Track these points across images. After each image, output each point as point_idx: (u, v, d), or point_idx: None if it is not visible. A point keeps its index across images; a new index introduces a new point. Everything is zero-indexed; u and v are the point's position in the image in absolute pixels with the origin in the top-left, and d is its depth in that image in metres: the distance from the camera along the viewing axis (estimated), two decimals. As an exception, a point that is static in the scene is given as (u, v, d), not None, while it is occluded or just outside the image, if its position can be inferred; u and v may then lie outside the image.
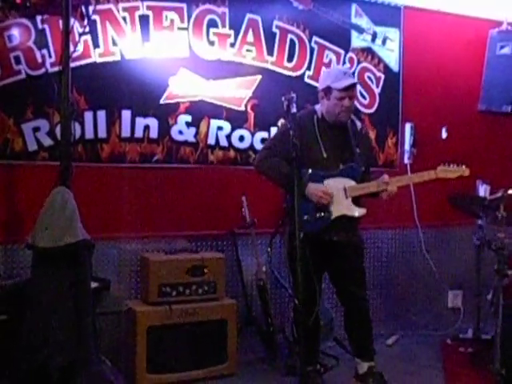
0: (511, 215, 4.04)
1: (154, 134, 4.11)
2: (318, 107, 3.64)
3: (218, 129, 4.28)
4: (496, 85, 5.28)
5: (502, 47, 5.27)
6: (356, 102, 4.67)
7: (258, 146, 4.30)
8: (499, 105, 5.31)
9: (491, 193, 4.64)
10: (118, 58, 3.97)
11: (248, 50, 4.34)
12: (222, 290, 3.98)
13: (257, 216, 4.18)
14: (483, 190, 4.84)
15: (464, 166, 3.71)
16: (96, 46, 3.91)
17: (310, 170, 3.45)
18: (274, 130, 4.31)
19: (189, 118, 4.20)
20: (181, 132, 4.19)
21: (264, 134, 4.38)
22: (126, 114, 4.03)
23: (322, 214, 3.48)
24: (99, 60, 3.93)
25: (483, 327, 4.60)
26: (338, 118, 3.55)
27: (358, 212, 3.57)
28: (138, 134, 4.07)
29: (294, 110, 2.97)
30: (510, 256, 4.15)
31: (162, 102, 4.11)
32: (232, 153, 4.35)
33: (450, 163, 3.68)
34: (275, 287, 4.38)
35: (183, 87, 4.16)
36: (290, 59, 4.49)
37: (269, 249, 4.08)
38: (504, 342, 3.82)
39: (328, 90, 3.53)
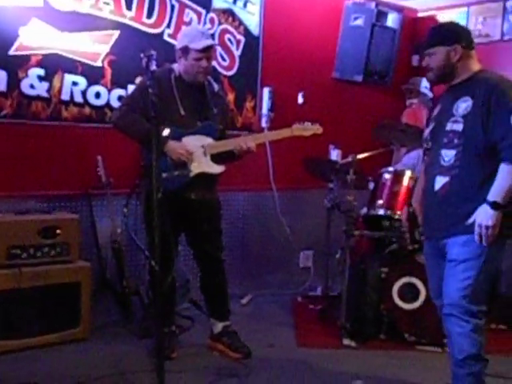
0: (360, 179, 4.28)
1: (1, 86, 3.82)
2: (175, 66, 3.58)
3: (72, 84, 4.08)
4: (349, 54, 5.50)
5: (355, 18, 5.46)
6: (216, 64, 4.67)
7: (115, 103, 4.17)
8: (351, 74, 5.54)
9: (342, 157, 4.85)
10: (-40, 2, 3.65)
11: (105, 3, 4.14)
12: (75, 252, 3.84)
13: (113, 176, 4.07)
14: (335, 155, 5.05)
15: (318, 124, 3.82)
16: None
17: (169, 128, 3.41)
18: (131, 88, 4.17)
19: (41, 72, 3.95)
20: (32, 86, 3.93)
21: (121, 92, 4.24)
22: (-30, 65, 3.73)
23: (181, 171, 3.46)
24: None
25: (331, 285, 4.84)
26: (196, 78, 3.52)
27: (216, 169, 3.58)
28: (-16, 86, 3.79)
29: (153, 67, 2.89)
30: (358, 218, 4.41)
31: (11, 53, 3.82)
32: (87, 110, 4.16)
33: (304, 122, 3.77)
34: (131, 249, 4.32)
35: (35, 39, 3.90)
36: (149, 15, 4.36)
37: (125, 209, 3.99)
38: (349, 298, 4.07)
39: (186, 50, 3.47)
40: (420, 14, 6.15)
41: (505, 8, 5.43)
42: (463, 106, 2.79)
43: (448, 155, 2.81)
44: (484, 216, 2.67)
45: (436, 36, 2.92)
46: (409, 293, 4.04)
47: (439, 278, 2.94)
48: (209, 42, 3.50)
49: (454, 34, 2.88)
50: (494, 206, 2.65)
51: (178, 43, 3.58)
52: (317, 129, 3.80)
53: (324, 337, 4.14)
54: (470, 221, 2.72)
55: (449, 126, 2.82)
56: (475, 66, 2.89)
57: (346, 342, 3.97)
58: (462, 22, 5.67)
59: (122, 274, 4.11)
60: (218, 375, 3.42)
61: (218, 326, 3.81)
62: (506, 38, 5.41)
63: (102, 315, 4.10)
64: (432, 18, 6.02)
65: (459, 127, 2.77)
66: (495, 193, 2.67)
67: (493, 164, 2.72)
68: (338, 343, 3.97)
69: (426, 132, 3.02)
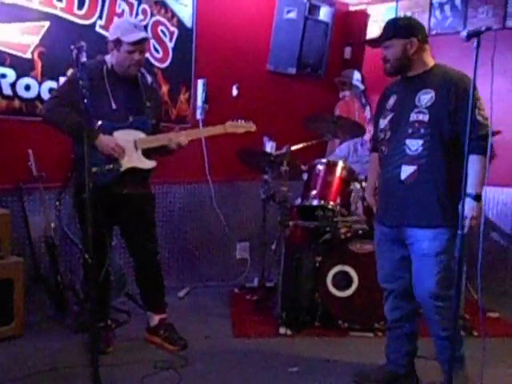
0: (293, 170, 4.34)
1: None
2: (107, 58, 3.53)
3: (1, 76, 3.97)
4: (282, 47, 5.53)
5: (288, 11, 5.50)
6: (149, 56, 4.64)
7: (46, 95, 4.08)
8: (285, 66, 5.58)
9: (276, 149, 4.90)
10: None
11: (35, -6, 4.06)
12: (7, 249, 3.76)
13: (45, 170, 4.00)
14: (269, 147, 5.09)
15: (251, 122, 3.86)
16: None
17: (100, 121, 3.38)
18: (63, 80, 4.10)
19: (-33, 64, 3.85)
20: (-42, 78, 3.83)
21: (52, 84, 4.16)
22: None
23: (112, 166, 3.43)
24: None
25: (268, 276, 4.90)
26: (128, 70, 3.48)
27: (148, 164, 3.57)
28: None
29: (83, 59, 2.85)
30: (292, 208, 4.48)
31: None
32: (17, 102, 4.06)
33: (238, 119, 3.81)
34: (65, 243, 4.26)
35: (-39, 29, 3.79)
36: (80, 6, 4.27)
37: (57, 203, 3.93)
38: (285, 287, 4.13)
39: (118, 42, 3.43)
40: (351, 8, 6.26)
41: (431, 4, 5.60)
42: (426, 97, 2.91)
43: (414, 145, 2.92)
44: (471, 209, 2.76)
45: (393, 29, 2.99)
46: (342, 281, 4.14)
47: (392, 262, 3.12)
48: (141, 34, 3.46)
49: (409, 28, 2.97)
50: (477, 197, 2.79)
51: (110, 35, 3.53)
52: (250, 127, 3.85)
53: (260, 326, 4.19)
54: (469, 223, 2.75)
55: (413, 117, 2.92)
56: (430, 59, 3.01)
57: (281, 330, 4.03)
58: (391, 16, 5.83)
59: (56, 269, 4.04)
60: (154, 368, 3.41)
61: (155, 319, 3.81)
62: (432, 32, 5.57)
63: (36, 311, 4.04)
64: (363, 12, 6.15)
65: (425, 118, 2.89)
66: (476, 185, 2.79)
67: (455, 153, 2.85)
68: (274, 332, 4.04)
69: (383, 123, 3.09)
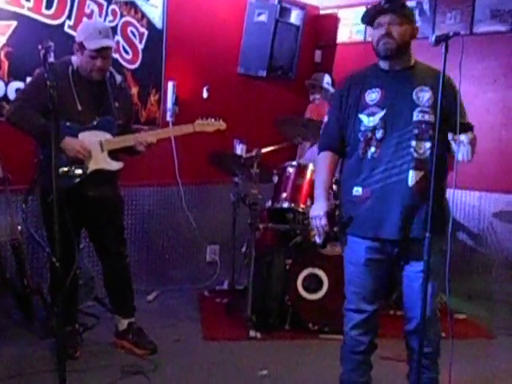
0: (263, 173, 4.35)
1: None
2: (74, 58, 3.46)
3: (-34, 76, 3.92)
4: (253, 50, 5.54)
5: (259, 14, 5.52)
6: (118, 57, 4.60)
7: (13, 96, 3.99)
8: (256, 69, 5.59)
9: (247, 151, 4.90)
10: None
11: (1, -7, 3.99)
12: (-29, 252, 3.70)
13: (11, 171, 3.93)
14: (240, 149, 5.08)
15: (221, 120, 3.83)
16: None
17: (66, 123, 3.32)
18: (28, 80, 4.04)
19: None
20: None
21: (19, 84, 4.08)
22: None
23: (77, 168, 3.38)
24: None
25: (238, 278, 4.89)
26: (90, 75, 3.43)
27: (114, 165, 3.53)
28: None
29: (51, 59, 2.80)
30: (262, 211, 4.48)
31: None
32: (-17, 103, 4.01)
33: (207, 117, 3.78)
34: (32, 247, 4.19)
35: None
36: (48, 6, 4.21)
37: (23, 205, 3.86)
38: (255, 290, 4.12)
39: (82, 46, 3.37)
40: (322, 12, 6.29)
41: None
42: (425, 95, 2.70)
43: (422, 148, 2.67)
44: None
45: (405, 10, 2.74)
46: (312, 283, 4.15)
47: (378, 280, 2.84)
48: (104, 42, 3.38)
49: (414, 16, 2.83)
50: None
51: (76, 36, 3.48)
52: (220, 125, 3.82)
53: (230, 330, 4.18)
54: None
55: (418, 116, 2.67)
56: (413, 54, 2.81)
57: (251, 333, 4.02)
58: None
59: (22, 272, 3.97)
60: (123, 373, 3.38)
61: (123, 323, 3.77)
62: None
63: (2, 316, 3.96)
64: (333, 16, 6.19)
65: (431, 118, 2.66)
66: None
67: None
68: (243, 335, 4.02)
69: (371, 120, 2.72)
